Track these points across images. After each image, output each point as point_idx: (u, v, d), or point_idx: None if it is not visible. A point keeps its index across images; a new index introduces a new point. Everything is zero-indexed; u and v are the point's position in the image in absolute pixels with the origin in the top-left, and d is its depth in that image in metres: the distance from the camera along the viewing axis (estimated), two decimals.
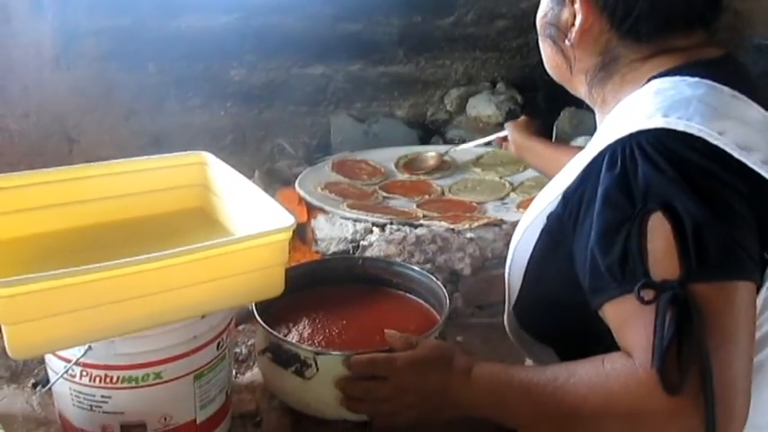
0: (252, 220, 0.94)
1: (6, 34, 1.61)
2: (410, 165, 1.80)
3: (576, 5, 0.83)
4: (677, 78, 0.78)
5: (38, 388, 1.03)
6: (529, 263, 0.86)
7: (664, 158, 0.70)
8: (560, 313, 0.82)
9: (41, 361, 0.91)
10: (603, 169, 0.73)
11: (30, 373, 1.09)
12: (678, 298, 0.67)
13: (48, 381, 0.88)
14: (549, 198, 0.82)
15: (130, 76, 1.76)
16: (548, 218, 0.82)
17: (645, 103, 0.75)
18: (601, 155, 0.74)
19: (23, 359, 0.99)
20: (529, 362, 0.99)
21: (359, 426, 0.96)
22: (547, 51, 0.91)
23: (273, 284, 0.90)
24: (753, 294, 0.70)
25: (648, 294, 0.67)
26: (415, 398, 0.88)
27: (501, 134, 1.60)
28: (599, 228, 0.72)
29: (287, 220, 0.86)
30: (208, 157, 1.08)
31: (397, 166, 1.81)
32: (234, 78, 1.89)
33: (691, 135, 0.70)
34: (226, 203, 1.04)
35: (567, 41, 0.85)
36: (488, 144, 1.77)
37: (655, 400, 0.67)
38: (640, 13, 0.80)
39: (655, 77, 0.80)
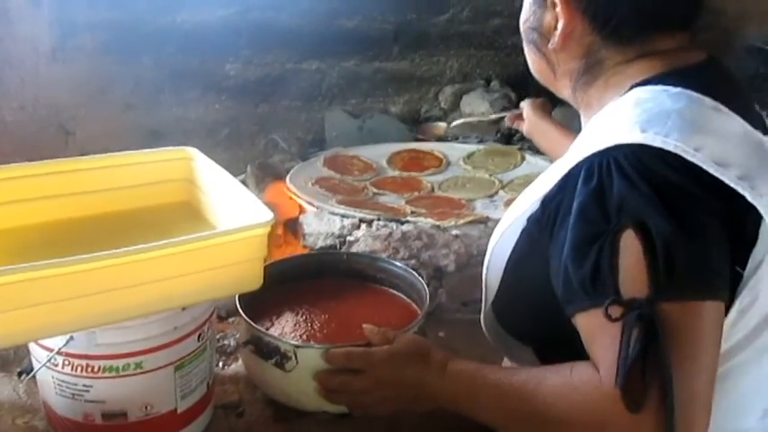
0: (234, 215, 0.95)
1: (3, 27, 1.62)
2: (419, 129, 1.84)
3: (558, 9, 0.82)
4: (659, 88, 0.78)
5: (23, 376, 1.05)
6: (508, 263, 0.87)
7: (639, 175, 0.70)
8: (538, 313, 0.83)
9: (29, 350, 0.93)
10: (580, 182, 0.73)
11: (19, 361, 1.11)
12: (645, 316, 0.67)
13: (32, 369, 0.90)
14: (529, 200, 0.82)
15: (126, 69, 1.77)
16: (528, 220, 0.83)
17: (624, 115, 0.75)
18: (578, 166, 0.74)
19: (5, 347, 1.01)
20: (506, 361, 1.00)
21: (339, 417, 0.98)
22: (531, 56, 0.91)
23: (252, 278, 0.91)
24: (720, 313, 0.71)
25: (616, 312, 0.68)
26: (391, 391, 0.90)
27: (516, 111, 1.54)
28: (573, 241, 0.73)
29: (266, 215, 0.88)
30: (193, 152, 1.10)
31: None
32: (229, 73, 1.90)
33: (667, 151, 0.70)
34: (210, 198, 1.06)
35: (549, 45, 0.85)
36: (500, 119, 1.70)
37: (617, 416, 0.68)
38: (622, 15, 0.80)
39: (637, 85, 0.80)
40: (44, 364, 0.86)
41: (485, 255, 1.33)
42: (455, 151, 1.88)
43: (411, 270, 1.14)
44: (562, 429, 0.76)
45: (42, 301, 0.76)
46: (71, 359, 0.85)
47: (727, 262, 0.72)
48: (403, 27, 2.06)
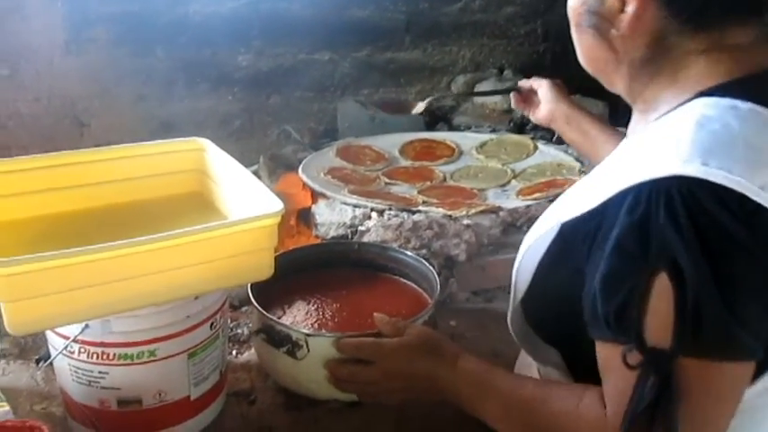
0: (245, 205, 0.96)
1: (19, 20, 1.64)
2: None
3: None
4: (727, 104, 0.71)
5: (40, 363, 1.08)
6: (540, 264, 0.83)
7: (688, 216, 0.64)
8: (566, 318, 0.79)
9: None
10: (624, 209, 0.68)
11: (37, 349, 1.13)
12: (662, 369, 0.65)
13: (49, 356, 0.92)
14: (570, 211, 0.77)
15: (139, 61, 1.79)
16: (563, 225, 0.78)
17: (686, 138, 0.68)
18: (627, 191, 0.68)
19: (21, 335, 1.03)
20: (524, 362, 0.99)
21: (349, 405, 0.99)
22: (586, 42, 0.81)
23: (263, 267, 0.92)
24: (745, 372, 0.68)
25: (634, 359, 0.66)
26: (400, 383, 0.91)
27: (521, 88, 1.34)
28: (605, 271, 0.69)
29: (276, 205, 0.89)
30: (206, 143, 1.11)
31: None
32: (241, 64, 1.91)
33: (727, 188, 0.64)
34: (222, 189, 1.07)
35: (614, 31, 0.76)
36: (506, 92, 1.55)
37: None
38: None
39: (703, 94, 0.74)
40: (60, 352, 0.87)
41: (496, 244, 1.36)
42: (468, 141, 1.87)
43: (422, 259, 1.15)
44: None
45: (58, 289, 0.77)
46: (87, 347, 0.87)
47: None
48: (415, 17, 2.06)
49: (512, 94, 1.35)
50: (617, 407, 0.69)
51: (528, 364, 0.97)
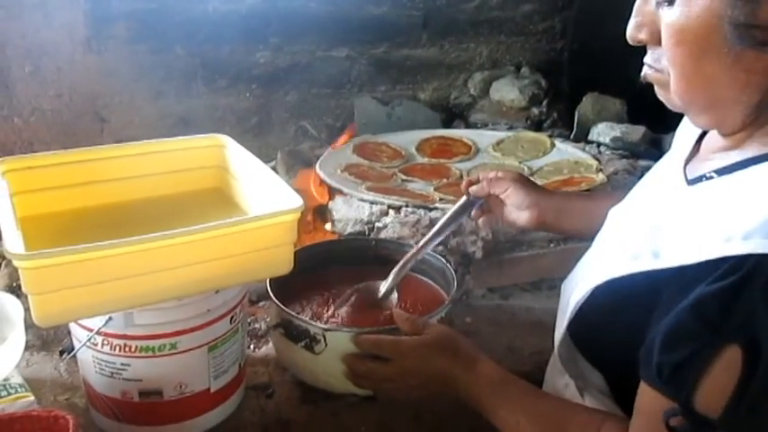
0: (265, 201, 0.97)
1: (40, 17, 1.66)
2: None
3: None
4: None
5: (64, 355, 1.09)
6: (601, 286, 0.78)
7: None
8: (620, 346, 0.76)
9: (69, 330, 0.96)
10: (719, 271, 0.63)
11: (59, 341, 1.15)
12: None
13: (72, 348, 0.94)
14: (651, 252, 0.71)
15: (159, 58, 1.80)
16: (647, 274, 0.72)
17: None
18: (728, 258, 0.63)
19: (47, 327, 1.05)
20: (561, 382, 0.95)
21: (365, 399, 1.00)
22: (714, 64, 0.67)
23: (282, 262, 0.93)
24: None
25: (677, 422, 0.64)
26: (416, 381, 0.92)
27: (478, 190, 1.10)
28: (674, 325, 0.65)
29: (296, 201, 0.90)
30: (226, 139, 1.12)
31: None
32: (259, 61, 1.92)
33: None
34: (242, 184, 1.08)
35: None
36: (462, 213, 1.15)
37: None
38: None
39: None
40: (84, 344, 0.89)
41: (512, 242, 1.36)
42: (484, 138, 1.87)
43: (438, 256, 1.15)
44: None
45: (83, 282, 0.79)
46: (110, 339, 0.88)
47: None
48: (432, 13, 2.06)
49: (473, 214, 1.13)
50: None
51: (559, 370, 0.94)
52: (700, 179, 0.76)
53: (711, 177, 0.73)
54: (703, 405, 0.64)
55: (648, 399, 0.69)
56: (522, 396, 0.84)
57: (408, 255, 1.09)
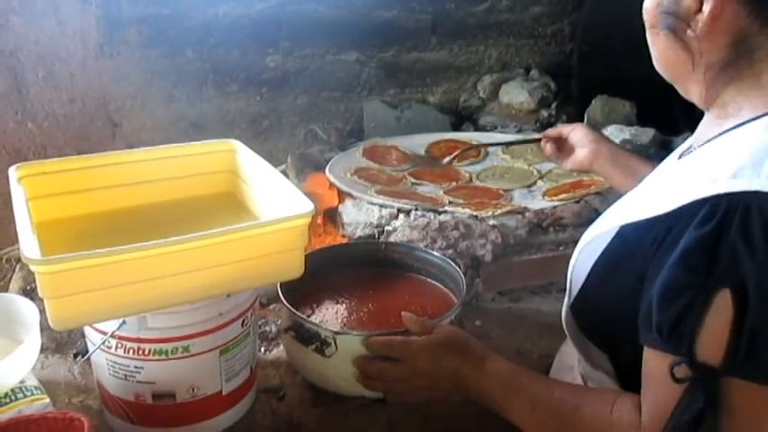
0: (276, 206, 0.98)
1: (53, 23, 1.69)
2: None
3: None
4: None
5: (78, 358, 1.11)
6: (594, 267, 0.82)
7: (764, 237, 0.62)
8: (619, 324, 0.78)
9: (82, 334, 0.98)
10: (697, 220, 0.66)
11: (73, 344, 1.17)
12: (710, 387, 0.65)
13: (87, 351, 0.95)
14: (636, 214, 0.76)
15: (170, 62, 1.82)
16: (623, 227, 0.77)
17: None
18: (703, 201, 0.67)
19: (63, 330, 1.06)
20: (568, 350, 0.98)
21: (375, 402, 1.01)
22: (661, 45, 0.79)
23: (294, 266, 0.94)
24: None
25: (682, 372, 0.66)
26: (427, 381, 0.92)
27: (552, 131, 1.30)
28: (666, 280, 0.68)
29: (307, 206, 0.91)
30: (237, 144, 1.13)
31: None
32: (269, 65, 1.93)
33: None
34: (253, 189, 1.09)
35: (690, 31, 0.74)
36: (534, 141, 1.44)
37: None
38: None
39: None
40: (98, 347, 0.90)
41: (521, 245, 1.36)
42: (494, 141, 1.88)
43: (448, 259, 1.16)
44: None
45: (98, 286, 0.80)
46: (124, 342, 0.89)
47: None
48: (441, 17, 2.07)
49: (542, 143, 1.30)
50: (655, 418, 0.68)
51: (569, 367, 0.96)
52: (688, 152, 0.82)
53: (695, 150, 0.80)
54: (704, 354, 0.65)
55: (654, 362, 0.70)
56: (534, 385, 0.84)
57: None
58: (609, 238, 0.79)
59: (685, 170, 0.76)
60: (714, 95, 0.77)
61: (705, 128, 0.81)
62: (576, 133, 1.23)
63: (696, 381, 0.65)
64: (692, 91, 0.80)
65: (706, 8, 0.72)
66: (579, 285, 0.85)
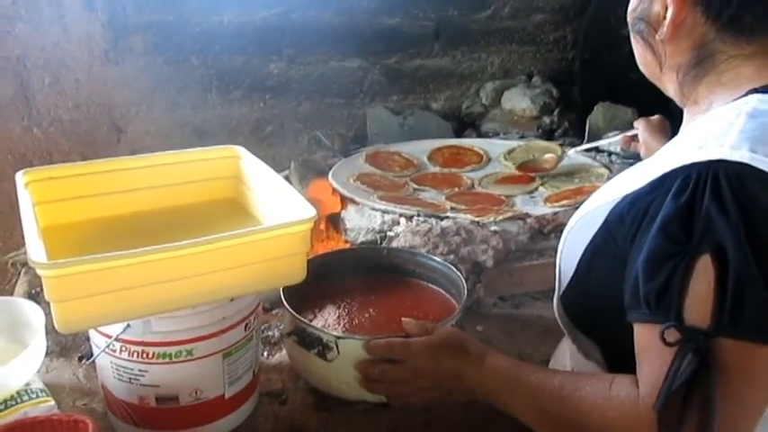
0: (279, 211, 0.99)
1: (59, 30, 1.71)
2: (527, 165, 1.75)
3: None
4: None
5: (83, 361, 1.12)
6: (583, 255, 0.84)
7: (734, 200, 0.66)
8: (607, 311, 0.80)
9: (87, 337, 0.99)
10: (672, 192, 0.70)
11: (77, 348, 1.17)
12: (700, 349, 0.66)
13: (91, 354, 0.96)
14: (615, 193, 0.79)
15: (175, 69, 1.84)
16: (610, 212, 0.79)
17: (736, 127, 0.71)
18: (675, 174, 0.71)
19: (68, 333, 1.07)
20: (565, 346, 1.00)
21: (378, 406, 1.01)
22: (637, 48, 0.86)
23: (296, 271, 0.95)
24: None
25: (672, 336, 0.67)
26: (428, 381, 0.93)
27: (630, 132, 1.43)
28: (649, 252, 0.70)
29: (309, 211, 0.92)
30: (241, 150, 1.15)
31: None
32: (273, 71, 1.95)
33: None
34: (256, 194, 1.10)
35: (657, 36, 0.81)
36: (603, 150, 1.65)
37: None
38: (741, 3, 0.75)
39: (756, 91, 0.75)
40: (103, 350, 0.91)
41: (523, 251, 1.37)
42: (496, 147, 1.89)
43: (449, 265, 1.17)
44: None
45: (104, 290, 0.81)
46: (128, 345, 0.90)
47: None
48: (444, 24, 2.08)
49: (620, 138, 1.46)
50: (651, 387, 0.70)
51: (562, 366, 0.98)
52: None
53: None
54: (693, 318, 0.68)
55: (645, 336, 0.72)
56: (534, 375, 0.85)
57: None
58: (596, 225, 0.81)
59: (660, 153, 0.80)
60: (688, 93, 0.83)
61: (685, 124, 0.85)
62: (640, 130, 1.33)
63: (686, 343, 0.67)
64: (669, 89, 0.86)
65: (669, 15, 0.78)
66: (568, 276, 0.87)
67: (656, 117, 1.35)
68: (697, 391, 0.66)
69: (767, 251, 0.65)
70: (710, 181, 0.67)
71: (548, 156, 1.75)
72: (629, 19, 0.86)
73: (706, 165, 0.69)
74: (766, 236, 0.66)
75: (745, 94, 0.76)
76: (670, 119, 0.89)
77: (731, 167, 0.67)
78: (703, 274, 0.67)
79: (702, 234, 0.67)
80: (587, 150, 1.76)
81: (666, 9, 0.78)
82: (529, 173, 1.72)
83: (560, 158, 1.73)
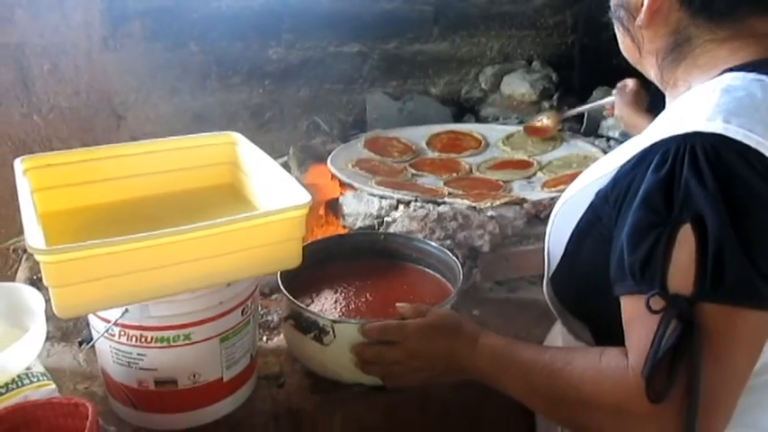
0: (275, 197, 1.00)
1: (58, 16, 1.71)
2: (533, 126, 1.86)
3: None
4: (752, 76, 0.75)
5: (83, 345, 1.13)
6: (571, 236, 0.86)
7: (711, 169, 0.68)
8: (594, 293, 0.82)
9: (88, 322, 1.00)
10: (652, 166, 0.72)
11: (78, 332, 1.19)
12: (684, 314, 0.68)
13: (91, 339, 0.97)
14: (599, 173, 0.82)
15: (174, 55, 1.84)
16: (596, 194, 0.81)
17: (710, 101, 0.73)
18: (654, 148, 0.73)
19: (67, 318, 1.08)
20: (557, 329, 1.01)
21: (373, 389, 1.03)
22: (618, 34, 0.89)
23: (291, 256, 0.96)
24: (765, 321, 0.70)
25: (657, 304, 0.69)
26: (423, 362, 0.94)
27: (607, 101, 1.56)
28: (632, 224, 0.72)
29: (304, 197, 0.92)
30: (237, 137, 1.15)
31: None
32: (272, 57, 1.95)
33: (748, 146, 0.68)
34: (252, 180, 1.11)
35: (636, 23, 0.83)
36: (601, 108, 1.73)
37: (637, 404, 0.70)
38: None
39: (730, 70, 0.77)
40: (102, 335, 0.92)
41: (519, 236, 1.38)
42: (494, 132, 1.90)
43: (445, 250, 1.18)
44: (584, 410, 0.78)
45: (102, 276, 0.82)
46: (126, 330, 0.92)
47: None
48: (443, 8, 2.08)
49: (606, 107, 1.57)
50: (639, 355, 0.71)
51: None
52: None
53: None
54: (676, 286, 0.69)
55: (632, 307, 0.74)
56: (526, 351, 0.86)
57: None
58: (583, 206, 0.83)
59: (642, 134, 0.81)
60: (667, 77, 0.85)
61: (666, 106, 0.87)
62: (617, 102, 1.45)
63: (671, 310, 0.68)
64: (650, 73, 0.89)
65: (645, 2, 0.81)
66: (557, 256, 0.89)
67: (630, 87, 1.44)
68: (683, 357, 0.68)
69: (744, 217, 0.67)
70: (688, 153, 0.70)
71: (548, 114, 1.82)
72: (611, 6, 0.89)
73: (683, 137, 0.71)
74: (742, 203, 0.68)
75: (720, 74, 0.78)
76: (660, 98, 0.91)
77: (707, 139, 0.69)
78: (685, 243, 0.69)
79: (682, 204, 0.69)
80: (577, 115, 1.87)
81: None
82: (534, 135, 1.80)
83: (561, 117, 1.83)
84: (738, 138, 0.68)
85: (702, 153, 0.69)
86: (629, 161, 0.76)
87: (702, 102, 0.74)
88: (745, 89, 0.73)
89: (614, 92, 1.51)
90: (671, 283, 0.70)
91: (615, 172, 0.78)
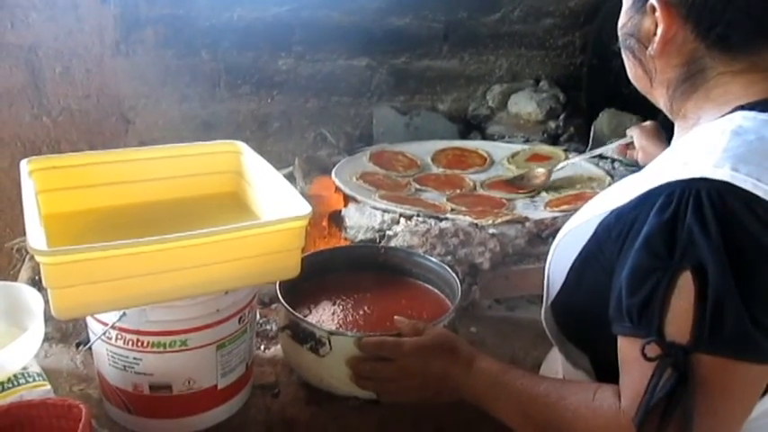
0: (276, 207, 1.01)
1: (72, 20, 1.73)
2: (514, 183, 1.72)
3: (658, 14, 0.78)
4: (764, 117, 0.74)
5: (80, 347, 1.14)
6: (572, 266, 0.85)
7: (715, 218, 0.67)
8: (595, 324, 0.81)
9: (86, 324, 1.00)
10: (655, 208, 0.70)
11: (77, 334, 1.19)
12: (680, 363, 0.67)
13: (88, 341, 0.98)
14: (603, 207, 0.80)
15: (184, 63, 1.86)
16: (599, 225, 0.80)
17: (720, 144, 0.71)
18: (660, 189, 0.72)
19: (64, 319, 1.09)
20: (556, 353, 1.00)
21: (367, 402, 1.02)
22: (628, 62, 0.87)
23: (290, 266, 0.97)
24: (761, 374, 0.69)
25: (653, 351, 0.68)
26: (417, 381, 0.94)
27: (623, 141, 1.50)
28: (632, 267, 0.71)
29: (304, 208, 0.93)
30: (242, 146, 1.16)
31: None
32: (282, 68, 1.96)
33: (755, 196, 0.67)
34: (255, 190, 1.12)
35: (648, 52, 0.81)
36: (606, 156, 1.72)
37: None
38: (730, 21, 0.75)
39: (742, 108, 0.76)
40: (99, 337, 0.93)
41: (520, 254, 1.38)
42: (500, 150, 1.90)
43: (445, 266, 1.18)
44: None
45: (101, 279, 0.83)
46: (124, 333, 0.92)
47: None
48: (453, 26, 2.09)
49: (616, 147, 1.55)
50: (632, 400, 0.71)
51: (554, 372, 0.99)
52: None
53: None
54: (673, 333, 0.69)
55: (628, 349, 0.73)
56: (520, 380, 0.86)
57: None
58: (585, 238, 0.82)
59: (647, 169, 0.81)
60: (677, 108, 0.84)
61: (675, 137, 0.87)
62: (638, 140, 1.41)
63: (666, 358, 0.68)
64: (660, 103, 0.87)
65: (659, 32, 0.79)
66: (557, 284, 0.88)
67: (648, 123, 1.40)
68: (676, 406, 0.67)
69: (747, 269, 0.66)
70: (693, 199, 0.68)
71: (540, 171, 1.73)
72: (619, 34, 0.86)
73: (689, 182, 0.69)
74: (745, 254, 0.67)
75: (731, 111, 0.76)
76: (668, 127, 0.90)
77: (713, 186, 0.68)
78: (684, 291, 0.68)
79: (684, 251, 0.68)
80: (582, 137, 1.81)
81: (657, 25, 0.79)
82: (515, 191, 1.68)
83: (551, 173, 1.71)
84: (747, 187, 0.67)
85: (708, 200, 0.68)
86: (633, 199, 0.75)
87: (711, 144, 0.72)
88: (756, 132, 0.72)
89: (628, 132, 1.48)
90: (668, 330, 0.69)
91: (619, 207, 0.77)
